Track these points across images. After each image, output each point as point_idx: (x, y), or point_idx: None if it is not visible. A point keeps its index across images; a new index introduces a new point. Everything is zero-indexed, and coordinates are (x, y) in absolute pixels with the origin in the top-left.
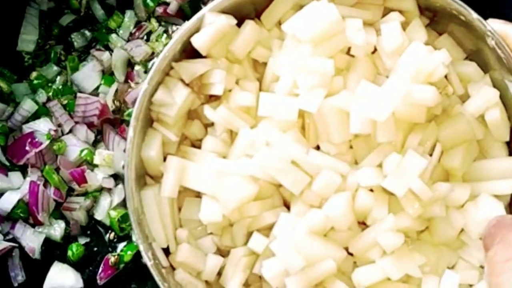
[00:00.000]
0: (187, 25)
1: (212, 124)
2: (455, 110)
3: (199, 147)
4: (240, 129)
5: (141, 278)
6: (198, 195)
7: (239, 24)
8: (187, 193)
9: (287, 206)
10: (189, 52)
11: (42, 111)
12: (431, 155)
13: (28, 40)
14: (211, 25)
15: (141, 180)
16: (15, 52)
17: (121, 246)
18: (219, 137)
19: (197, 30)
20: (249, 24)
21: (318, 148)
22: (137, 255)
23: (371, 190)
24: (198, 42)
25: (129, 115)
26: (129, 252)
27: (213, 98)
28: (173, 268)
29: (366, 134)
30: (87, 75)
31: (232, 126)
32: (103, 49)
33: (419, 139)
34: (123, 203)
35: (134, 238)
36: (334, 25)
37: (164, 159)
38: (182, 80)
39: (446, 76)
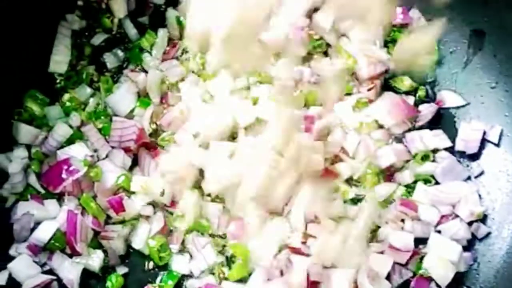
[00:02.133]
0: None
1: None
2: None
3: None
4: None
5: None
6: None
7: None
8: None
9: None
10: None
11: (77, 136)
12: None
13: (60, 61)
14: None
15: None
16: (47, 74)
17: (160, 275)
18: None
19: None
20: None
21: None
22: (178, 285)
23: None
24: None
25: (163, 139)
26: (169, 282)
27: None
28: None
29: None
30: (122, 97)
31: None
32: (138, 70)
33: None
34: (162, 231)
35: None
36: None
37: None
38: None
39: None
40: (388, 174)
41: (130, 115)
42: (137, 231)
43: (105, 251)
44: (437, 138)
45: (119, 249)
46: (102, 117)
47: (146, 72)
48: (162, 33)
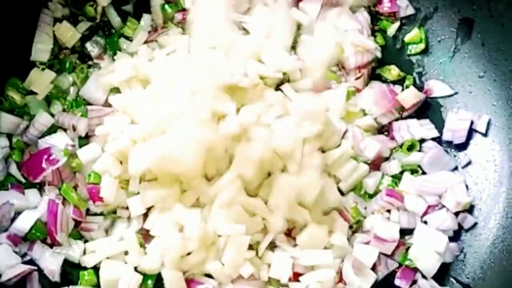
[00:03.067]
0: None
1: None
2: None
3: None
4: None
5: None
6: None
7: None
8: None
9: None
10: None
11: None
12: None
13: (42, 49)
14: None
15: None
16: (29, 62)
17: None
18: None
19: None
20: None
21: None
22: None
23: None
24: None
25: None
26: (149, 282)
27: None
28: None
29: None
30: (94, 87)
31: None
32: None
33: None
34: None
35: None
36: None
37: None
38: None
39: None
40: (374, 164)
41: (107, 104)
42: (116, 226)
43: (86, 242)
44: (424, 128)
45: None
46: (82, 106)
47: None
48: (146, 18)
